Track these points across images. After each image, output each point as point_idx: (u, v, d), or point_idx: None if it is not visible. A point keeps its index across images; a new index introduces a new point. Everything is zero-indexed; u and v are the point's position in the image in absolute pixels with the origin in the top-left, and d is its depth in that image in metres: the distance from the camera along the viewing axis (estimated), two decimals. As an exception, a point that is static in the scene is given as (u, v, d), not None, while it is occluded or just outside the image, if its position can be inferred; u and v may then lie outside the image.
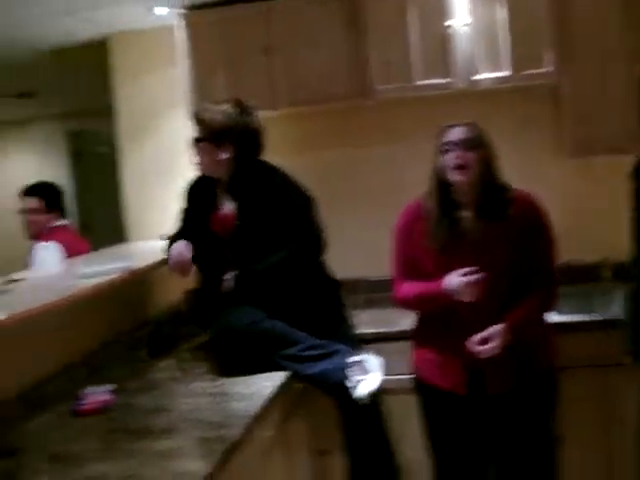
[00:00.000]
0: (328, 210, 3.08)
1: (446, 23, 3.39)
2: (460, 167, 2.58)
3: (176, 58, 3.80)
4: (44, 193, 4.04)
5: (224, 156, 2.91)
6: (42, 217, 3.95)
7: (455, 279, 2.54)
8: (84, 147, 9.03)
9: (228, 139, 2.89)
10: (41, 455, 2.11)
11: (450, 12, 3.40)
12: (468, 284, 2.52)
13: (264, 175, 2.95)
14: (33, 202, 3.96)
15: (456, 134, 2.62)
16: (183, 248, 2.96)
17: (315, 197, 3.00)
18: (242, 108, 2.93)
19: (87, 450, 2.12)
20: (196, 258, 3.00)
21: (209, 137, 2.92)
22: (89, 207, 8.18)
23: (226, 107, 2.92)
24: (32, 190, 4.04)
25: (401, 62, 3.46)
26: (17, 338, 2.32)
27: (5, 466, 2.01)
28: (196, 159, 3.02)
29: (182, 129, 3.78)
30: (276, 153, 3.45)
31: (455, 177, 2.60)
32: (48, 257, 3.58)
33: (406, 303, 2.80)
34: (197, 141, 2.97)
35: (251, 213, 2.89)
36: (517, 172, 2.81)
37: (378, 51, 3.49)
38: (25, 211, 3.96)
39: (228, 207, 2.98)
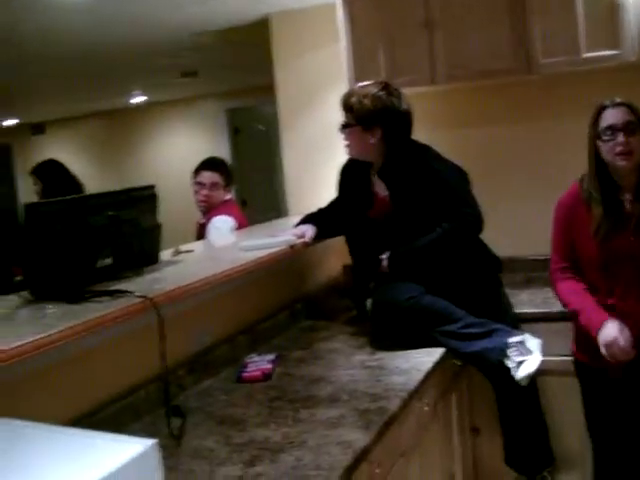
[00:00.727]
0: (486, 187, 3.03)
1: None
2: (625, 153, 2.50)
3: (336, 36, 3.84)
4: (223, 168, 4.15)
5: (373, 140, 2.91)
6: (220, 192, 4.06)
7: (610, 335, 2.52)
8: (243, 124, 9.30)
9: (376, 123, 2.88)
10: (208, 417, 2.22)
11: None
12: (618, 347, 2.49)
13: (415, 156, 2.93)
14: (215, 177, 4.05)
15: (617, 117, 2.53)
16: (308, 229, 3.06)
17: (472, 174, 2.96)
18: (388, 90, 2.92)
19: (250, 415, 2.21)
20: (350, 240, 3.06)
21: (357, 122, 2.92)
22: (246, 182, 8.42)
23: (373, 90, 2.92)
24: (212, 165, 4.14)
25: (566, 34, 3.32)
26: (185, 308, 2.44)
27: (177, 425, 2.13)
28: (345, 143, 3.04)
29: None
30: (434, 128, 3.44)
31: (620, 163, 2.52)
32: (224, 229, 3.73)
33: (559, 299, 2.76)
34: (345, 126, 2.98)
35: (404, 195, 2.90)
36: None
37: (542, 23, 3.35)
38: (203, 185, 4.05)
39: (381, 190, 3.00)
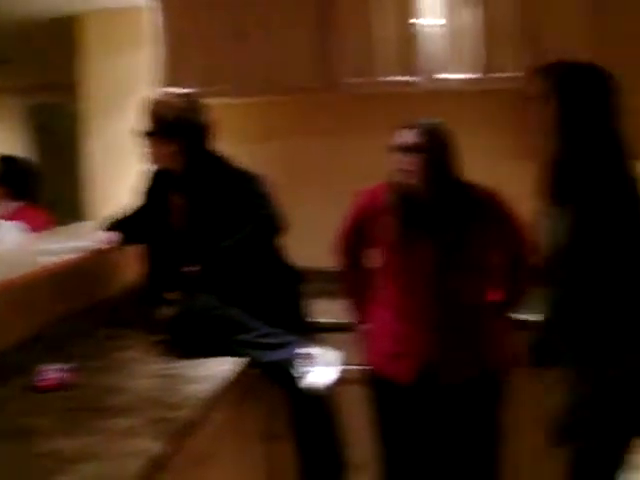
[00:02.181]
0: (289, 200, 3.12)
1: (415, 21, 3.42)
2: (404, 171, 2.67)
3: (146, 40, 3.80)
4: (8, 178, 3.98)
5: (171, 150, 2.94)
6: (9, 203, 3.90)
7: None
8: (48, 122, 8.93)
9: (175, 134, 2.91)
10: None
11: (420, 10, 3.43)
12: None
13: (213, 166, 2.98)
14: None
15: (403, 138, 2.70)
16: (112, 236, 3.06)
17: (275, 185, 3.03)
18: (191, 102, 2.97)
19: (44, 425, 2.14)
20: (149, 248, 3.08)
21: (157, 131, 2.94)
22: (52, 183, 8.10)
23: (175, 101, 2.95)
24: None
25: (367, 57, 3.48)
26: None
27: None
28: (146, 151, 3.03)
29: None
30: (242, 141, 3.49)
31: (399, 179, 2.68)
32: (11, 236, 3.58)
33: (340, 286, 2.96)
34: (146, 134, 2.98)
35: (203, 205, 2.94)
36: (482, 174, 2.87)
37: (346, 45, 3.50)
38: None
39: (179, 198, 3.02)
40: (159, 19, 3.69)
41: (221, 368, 2.62)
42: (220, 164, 3.00)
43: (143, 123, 2.99)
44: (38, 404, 2.32)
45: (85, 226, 3.72)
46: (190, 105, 2.95)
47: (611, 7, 3.40)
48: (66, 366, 2.57)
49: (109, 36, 4.24)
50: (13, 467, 1.88)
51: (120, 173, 4.19)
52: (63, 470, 1.84)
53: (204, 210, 2.94)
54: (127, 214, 3.22)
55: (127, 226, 3.14)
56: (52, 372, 2.50)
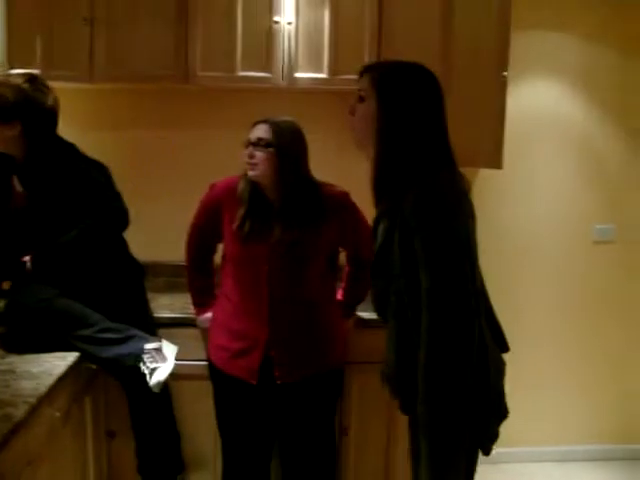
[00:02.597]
0: (137, 191, 3.06)
1: (273, 19, 3.44)
2: (252, 164, 2.70)
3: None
4: None
5: (11, 134, 2.77)
6: None
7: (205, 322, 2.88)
8: None
9: (16, 117, 2.75)
10: None
11: (277, 9, 3.44)
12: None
13: (57, 153, 2.85)
14: None
15: (254, 132, 2.73)
16: None
17: (120, 178, 2.97)
18: (35, 84, 2.79)
19: None
20: None
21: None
22: None
23: (17, 82, 2.77)
24: None
25: (224, 51, 3.46)
26: None
27: None
28: None
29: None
30: (90, 128, 3.38)
31: (248, 172, 2.72)
32: None
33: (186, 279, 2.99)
34: None
35: (44, 192, 2.81)
36: (332, 173, 2.97)
37: (203, 37, 3.46)
38: None
39: (20, 185, 2.89)
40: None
41: (56, 363, 2.53)
42: (64, 151, 2.87)
43: None
44: None
45: None
46: (33, 87, 2.79)
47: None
48: None
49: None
50: None
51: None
52: None
53: (44, 198, 2.81)
54: None
55: None
56: None
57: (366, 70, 2.08)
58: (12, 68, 3.39)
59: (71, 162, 2.84)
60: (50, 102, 2.82)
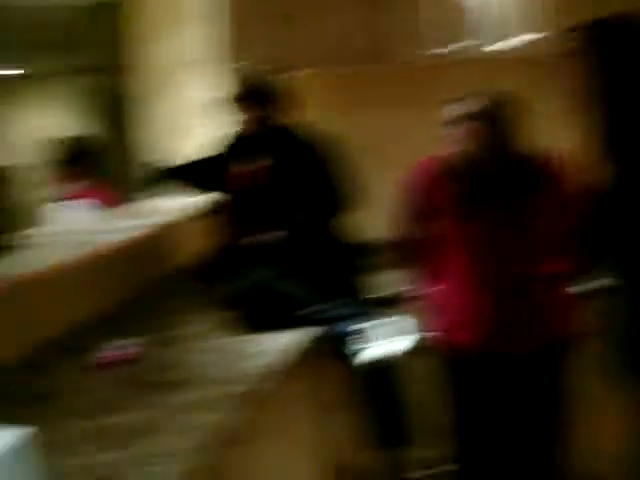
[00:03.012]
0: (368, 170, 3.11)
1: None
2: (466, 139, 2.65)
3: (199, 17, 3.81)
4: (71, 150, 4.05)
5: (260, 114, 3.01)
6: (68, 173, 3.97)
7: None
8: (102, 101, 9.05)
9: (264, 98, 2.99)
10: (64, 403, 2.18)
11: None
12: None
13: (295, 133, 3.06)
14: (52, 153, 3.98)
15: (465, 106, 2.67)
16: None
17: (356, 158, 3.08)
18: (276, 68, 3.03)
19: (108, 401, 2.19)
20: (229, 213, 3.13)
21: (247, 95, 3.01)
22: (107, 162, 8.24)
23: (262, 66, 3.02)
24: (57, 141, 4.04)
25: (428, 26, 3.44)
26: (45, 289, 2.38)
27: (28, 413, 2.07)
28: (233, 116, 3.10)
29: (204, 88, 3.80)
30: (318, 111, 3.52)
31: (462, 147, 2.67)
32: (77, 214, 3.66)
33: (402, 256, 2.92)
34: (235, 99, 3.05)
35: (282, 170, 2.97)
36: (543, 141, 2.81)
37: (407, 14, 3.45)
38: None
39: (260, 164, 3.05)
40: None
41: (281, 342, 2.63)
42: (302, 133, 3.08)
43: (230, 90, 3.11)
44: (102, 380, 2.37)
45: (146, 205, 3.76)
46: (275, 71, 3.09)
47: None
48: (128, 342, 2.61)
49: (161, 14, 4.25)
50: (76, 440, 1.92)
51: (176, 151, 4.21)
52: (125, 444, 1.87)
53: (286, 175, 2.99)
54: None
55: (184, 171, 3.24)
56: (114, 349, 2.55)
57: (578, 29, 1.98)
58: (233, 62, 3.58)
59: (307, 144, 3.03)
60: (289, 84, 3.10)
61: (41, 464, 1.15)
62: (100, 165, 4.19)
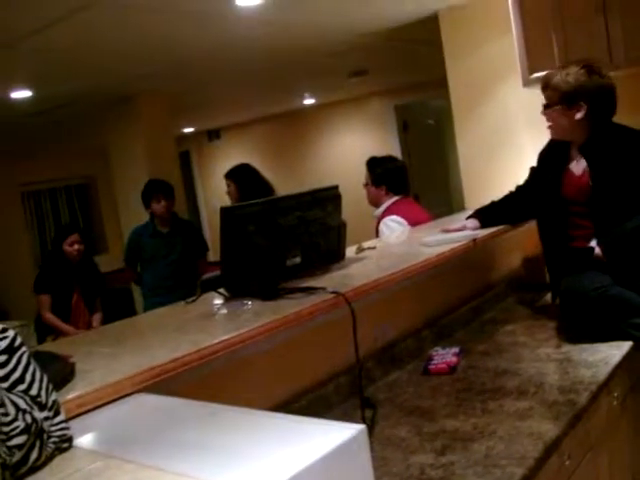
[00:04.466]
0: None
1: None
2: None
3: (506, 28, 3.83)
4: (375, 166, 4.24)
5: (577, 117, 2.88)
6: (371, 189, 4.17)
7: None
8: (411, 119, 9.35)
9: (580, 99, 2.85)
10: (397, 408, 2.30)
11: None
12: None
13: (620, 137, 2.88)
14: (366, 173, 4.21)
15: None
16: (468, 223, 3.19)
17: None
18: (591, 68, 2.88)
19: (438, 406, 2.27)
20: (542, 225, 3.07)
21: (560, 100, 2.89)
22: (417, 177, 8.47)
23: (574, 69, 2.88)
24: (370, 162, 4.26)
25: None
26: (371, 303, 2.51)
27: (368, 415, 2.22)
28: (548, 124, 3.00)
29: (516, 96, 3.80)
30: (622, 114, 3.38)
31: None
32: (396, 228, 3.83)
33: None
34: (548, 106, 2.95)
35: (606, 175, 2.84)
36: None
37: None
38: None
39: (581, 169, 2.95)
40: (514, 4, 3.70)
41: (612, 352, 2.54)
42: (627, 136, 2.90)
43: (542, 97, 3.00)
44: (430, 386, 2.46)
45: (460, 218, 3.83)
46: (590, 70, 2.87)
47: None
48: (455, 350, 2.69)
49: (471, 29, 4.34)
50: (409, 442, 2.02)
51: (492, 163, 4.25)
52: (456, 448, 1.94)
53: (607, 182, 2.85)
54: (496, 201, 3.29)
55: (491, 211, 3.22)
56: (442, 356, 2.64)
57: None
58: (532, 70, 3.55)
59: (633, 147, 2.85)
60: (607, 83, 2.89)
61: (369, 461, 1.24)
62: (408, 182, 4.32)
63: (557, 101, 2.90)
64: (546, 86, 2.95)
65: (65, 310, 5.15)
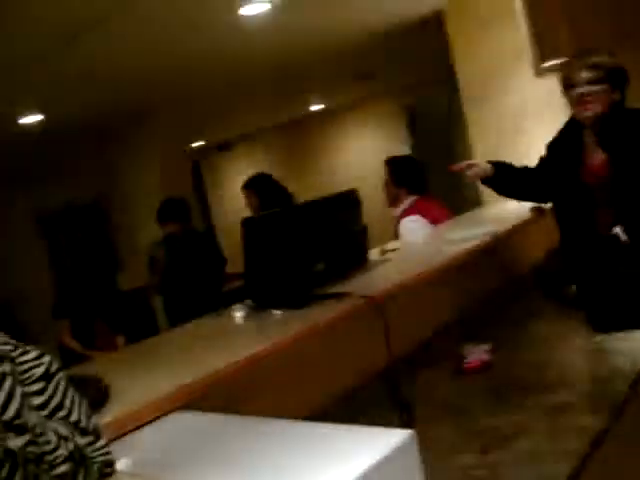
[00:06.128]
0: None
1: None
2: None
3: (513, 20, 3.81)
4: (395, 166, 4.22)
5: (616, 98, 2.80)
6: (392, 189, 4.15)
7: None
8: (420, 117, 9.33)
9: (620, 82, 2.79)
10: (435, 407, 2.27)
11: None
12: None
13: (636, 119, 2.83)
14: (386, 174, 4.19)
15: None
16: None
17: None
18: (613, 56, 2.84)
19: (476, 404, 2.23)
20: (560, 212, 3.02)
21: (606, 78, 2.78)
22: (428, 174, 8.42)
23: (605, 52, 2.83)
24: (388, 161, 4.25)
25: None
26: (400, 304, 2.50)
27: (403, 417, 2.19)
28: (586, 105, 2.84)
29: (527, 86, 3.77)
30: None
31: None
32: (416, 228, 3.80)
33: None
34: (595, 82, 2.79)
35: (626, 159, 2.79)
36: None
37: None
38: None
39: (600, 155, 2.90)
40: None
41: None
42: None
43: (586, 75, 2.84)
44: (466, 384, 2.43)
45: (480, 214, 3.82)
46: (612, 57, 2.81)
47: None
48: (487, 346, 2.65)
49: (477, 23, 4.31)
50: (450, 443, 1.99)
51: (506, 155, 4.20)
52: (500, 446, 1.90)
53: (628, 166, 2.78)
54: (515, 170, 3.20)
55: (512, 179, 3.13)
56: (475, 354, 2.60)
57: None
58: (541, 59, 3.52)
59: None
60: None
61: (421, 465, 1.21)
62: (426, 181, 4.30)
63: (605, 78, 2.78)
64: (589, 64, 2.80)
65: (88, 334, 5.11)
